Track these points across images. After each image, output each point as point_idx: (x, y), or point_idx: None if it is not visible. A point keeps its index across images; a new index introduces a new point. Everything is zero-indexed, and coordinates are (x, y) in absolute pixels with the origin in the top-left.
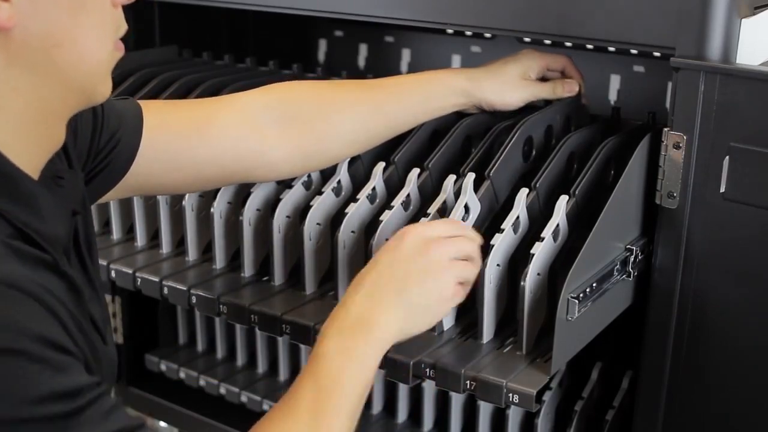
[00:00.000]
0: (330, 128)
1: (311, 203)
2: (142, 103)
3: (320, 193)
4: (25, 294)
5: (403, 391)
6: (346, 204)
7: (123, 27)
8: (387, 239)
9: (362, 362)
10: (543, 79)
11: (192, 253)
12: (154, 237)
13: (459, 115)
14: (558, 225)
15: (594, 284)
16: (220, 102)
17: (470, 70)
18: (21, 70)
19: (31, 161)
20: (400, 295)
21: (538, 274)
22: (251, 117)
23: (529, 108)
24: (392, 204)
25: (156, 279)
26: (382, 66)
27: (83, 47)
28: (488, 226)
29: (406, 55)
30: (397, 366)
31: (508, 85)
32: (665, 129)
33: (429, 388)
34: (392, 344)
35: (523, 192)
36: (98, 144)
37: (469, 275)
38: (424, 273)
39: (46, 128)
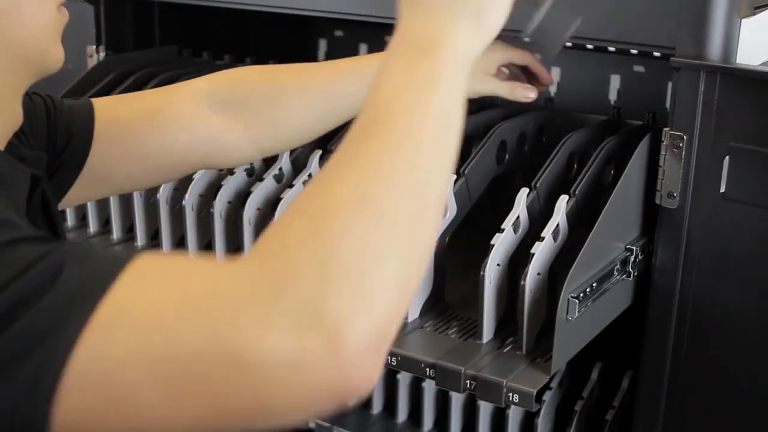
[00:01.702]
0: (278, 113)
1: None
2: (94, 100)
3: None
4: None
5: (403, 390)
6: None
7: None
8: None
9: (432, 81)
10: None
11: (192, 254)
12: (154, 237)
13: None
14: (558, 225)
15: (594, 284)
16: (168, 91)
17: None
18: None
19: None
20: (460, 6)
21: (538, 274)
22: (200, 104)
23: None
24: None
25: None
26: None
27: (29, 15)
28: (466, 225)
29: None
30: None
31: None
32: (665, 129)
33: (429, 387)
34: (472, 60)
35: (524, 192)
36: (54, 142)
37: None
38: None
39: (2, 107)
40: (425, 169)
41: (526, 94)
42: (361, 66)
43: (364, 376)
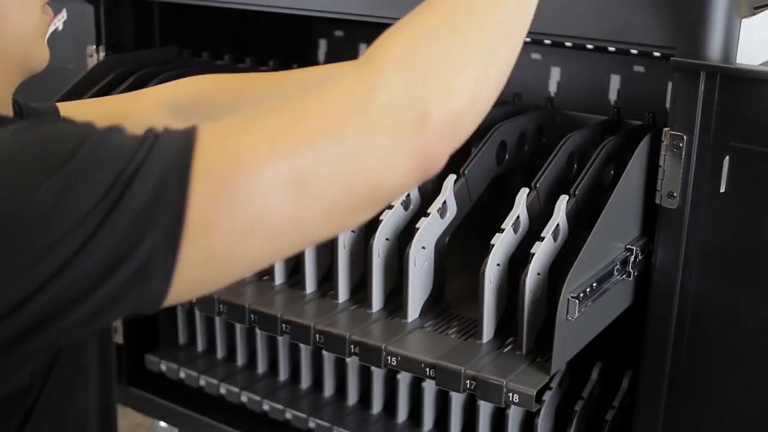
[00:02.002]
0: None
1: None
2: (60, 104)
3: None
4: None
5: (403, 391)
6: None
7: None
8: (387, 239)
9: None
10: None
11: None
12: None
13: None
14: (558, 225)
15: (594, 284)
16: (130, 98)
17: None
18: None
19: None
20: None
21: (538, 274)
22: (163, 110)
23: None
24: (392, 204)
25: None
26: None
27: (13, 16)
28: (466, 225)
29: None
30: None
31: None
32: (665, 129)
33: (429, 388)
34: None
35: (524, 192)
36: None
37: None
38: None
39: None
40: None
41: None
42: (309, 75)
43: (441, 152)
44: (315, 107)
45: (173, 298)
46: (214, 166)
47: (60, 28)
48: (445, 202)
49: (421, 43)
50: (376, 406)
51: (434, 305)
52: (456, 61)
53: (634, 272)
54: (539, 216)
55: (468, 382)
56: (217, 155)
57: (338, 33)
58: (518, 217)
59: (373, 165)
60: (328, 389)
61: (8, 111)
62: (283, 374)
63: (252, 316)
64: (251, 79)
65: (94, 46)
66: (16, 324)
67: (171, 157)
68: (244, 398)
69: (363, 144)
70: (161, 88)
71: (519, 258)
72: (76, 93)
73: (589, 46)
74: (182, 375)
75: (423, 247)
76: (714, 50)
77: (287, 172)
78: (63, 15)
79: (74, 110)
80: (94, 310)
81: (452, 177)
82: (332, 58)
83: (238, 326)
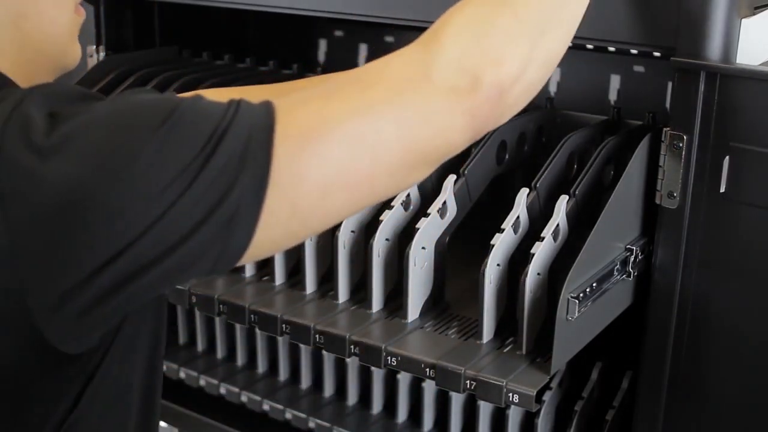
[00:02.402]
0: None
1: None
2: None
3: None
4: None
5: (403, 390)
6: None
7: None
8: (387, 239)
9: None
10: None
11: None
12: None
13: None
14: (558, 225)
15: (594, 284)
16: None
17: None
18: (3, 43)
19: None
20: None
21: (538, 274)
22: None
23: None
24: (392, 204)
25: None
26: None
27: (49, 16)
28: (466, 225)
29: None
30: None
31: None
32: (665, 129)
33: (429, 388)
34: None
35: (524, 192)
36: None
37: None
38: None
39: None
40: None
41: None
42: (309, 86)
43: (491, 114)
44: (383, 73)
45: (253, 253)
46: (294, 127)
47: None
48: (445, 202)
49: (478, 17)
50: (376, 406)
51: (434, 305)
52: (509, 36)
53: (634, 272)
54: (539, 216)
55: (468, 382)
56: (297, 118)
57: (338, 33)
58: (518, 217)
59: (433, 124)
60: (328, 389)
61: None
62: (283, 374)
63: (252, 316)
64: (250, 94)
65: (94, 46)
66: (118, 270)
67: (255, 119)
68: (244, 398)
69: (424, 106)
70: None
71: (519, 258)
72: None
73: (589, 46)
74: (182, 375)
75: (423, 247)
76: (714, 50)
77: (359, 132)
78: None
79: None
80: (183, 261)
81: (452, 177)
82: (332, 58)
83: (238, 326)
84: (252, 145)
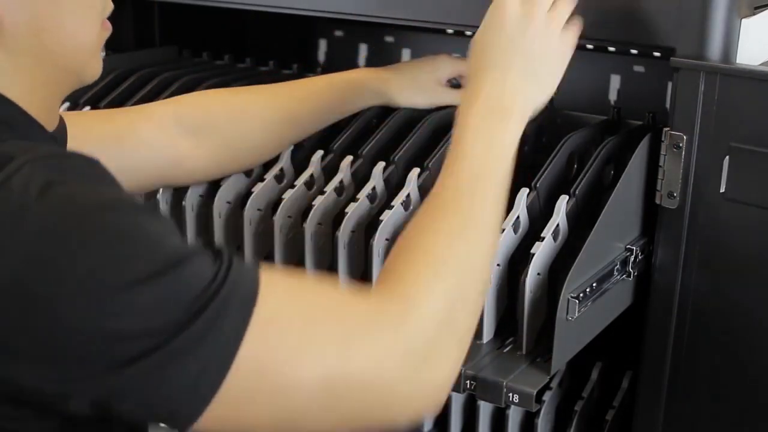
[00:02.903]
0: (240, 136)
1: (313, 203)
2: (64, 114)
3: (322, 192)
4: None
5: None
6: (346, 204)
7: (109, 6)
8: (387, 239)
9: (503, 147)
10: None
11: None
12: None
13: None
14: (558, 225)
15: (594, 284)
16: (137, 113)
17: (381, 70)
18: (16, 55)
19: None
20: (526, 71)
21: (538, 274)
22: (166, 128)
23: None
24: (392, 204)
25: None
26: (382, 66)
27: (70, 30)
28: None
29: (406, 55)
30: None
31: (416, 86)
32: (665, 129)
33: None
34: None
35: (524, 192)
36: None
37: (566, 15)
38: (540, 40)
39: (45, 112)
40: (490, 234)
41: None
42: (313, 89)
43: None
44: (349, 319)
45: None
46: (264, 353)
47: None
48: None
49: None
50: None
51: None
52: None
53: (634, 272)
54: (539, 216)
55: (468, 382)
56: (269, 344)
57: (338, 33)
58: (518, 217)
59: (385, 390)
60: None
61: (55, 118)
62: None
63: None
64: (254, 94)
65: None
66: (86, 396)
67: (234, 319)
68: None
69: (381, 363)
70: (167, 104)
71: (519, 258)
72: (76, 93)
73: (589, 46)
74: None
75: None
76: (714, 50)
77: (326, 394)
78: None
79: (81, 122)
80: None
81: None
82: (332, 58)
83: None
84: (221, 337)
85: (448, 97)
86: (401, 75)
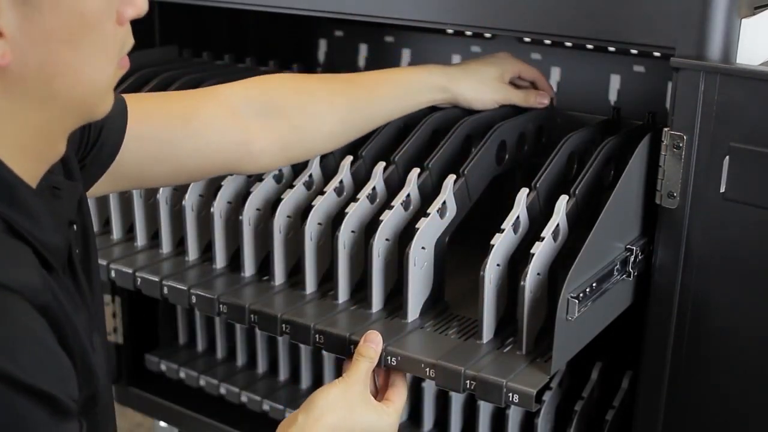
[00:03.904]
0: (309, 121)
1: (312, 203)
2: (126, 96)
3: (322, 193)
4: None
5: None
6: (346, 204)
7: (129, 43)
8: (387, 239)
9: None
10: (513, 85)
11: (192, 253)
12: (154, 237)
13: (459, 115)
14: (558, 225)
15: (594, 284)
16: (203, 94)
17: (448, 68)
18: (18, 98)
19: (28, 172)
20: None
21: (538, 274)
22: (234, 109)
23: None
24: (392, 204)
25: (156, 279)
26: (382, 66)
27: (87, 75)
28: (466, 225)
29: (406, 55)
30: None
31: (484, 84)
32: (665, 129)
33: (429, 388)
34: None
35: (524, 192)
36: (87, 137)
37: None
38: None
39: (45, 145)
40: None
41: (540, 100)
42: (380, 79)
43: None
44: None
45: None
46: None
47: None
48: (444, 202)
49: None
50: None
51: (434, 305)
52: None
53: (634, 272)
54: (539, 216)
55: (468, 382)
56: None
57: (338, 33)
58: (518, 217)
59: None
60: None
61: (62, 148)
62: (283, 374)
63: (252, 316)
64: (324, 82)
65: None
66: None
67: None
68: (244, 398)
69: None
70: (234, 86)
71: (519, 258)
72: None
73: (589, 46)
74: (182, 375)
75: (423, 247)
76: (714, 50)
77: None
78: None
79: (143, 105)
80: None
81: (452, 177)
82: (332, 58)
83: (238, 326)
84: None
85: (512, 94)
86: (468, 72)
